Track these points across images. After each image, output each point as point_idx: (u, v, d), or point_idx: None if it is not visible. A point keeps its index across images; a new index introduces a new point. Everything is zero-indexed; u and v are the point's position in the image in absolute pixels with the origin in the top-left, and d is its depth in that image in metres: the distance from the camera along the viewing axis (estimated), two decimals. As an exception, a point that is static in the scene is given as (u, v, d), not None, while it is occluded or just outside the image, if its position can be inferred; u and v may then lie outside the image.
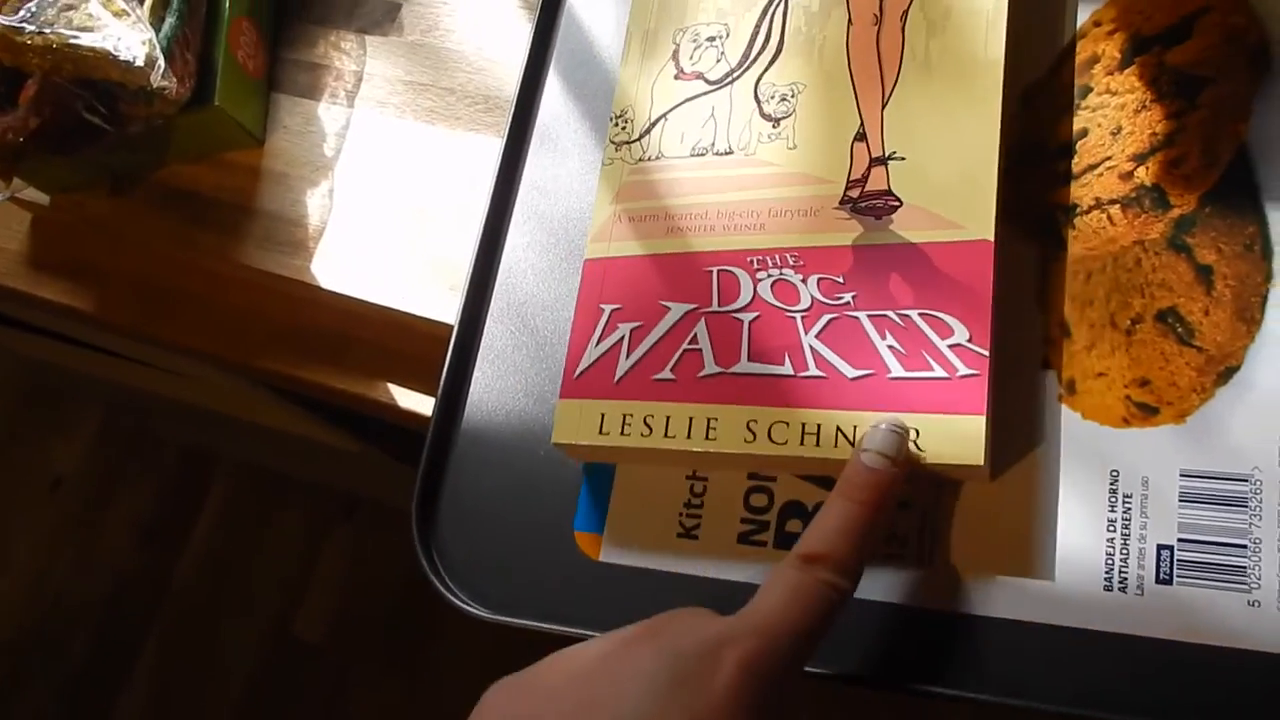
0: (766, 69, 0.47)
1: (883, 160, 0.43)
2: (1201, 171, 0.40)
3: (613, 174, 0.47)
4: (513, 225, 0.52)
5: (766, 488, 0.43)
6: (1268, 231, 0.38)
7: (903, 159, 0.43)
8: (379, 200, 0.58)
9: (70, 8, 0.50)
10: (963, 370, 0.39)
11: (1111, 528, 0.37)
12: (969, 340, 0.39)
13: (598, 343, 0.44)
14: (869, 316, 0.41)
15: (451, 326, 0.50)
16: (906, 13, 0.45)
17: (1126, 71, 0.41)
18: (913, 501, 0.40)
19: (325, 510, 1.37)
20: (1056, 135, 0.43)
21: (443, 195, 0.57)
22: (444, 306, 0.54)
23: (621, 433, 0.43)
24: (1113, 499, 0.37)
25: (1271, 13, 0.42)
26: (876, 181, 0.42)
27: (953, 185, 0.41)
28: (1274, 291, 0.38)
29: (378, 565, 1.33)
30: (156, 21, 0.53)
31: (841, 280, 0.41)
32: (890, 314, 0.41)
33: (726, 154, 0.46)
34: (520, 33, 0.59)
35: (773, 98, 0.46)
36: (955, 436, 0.38)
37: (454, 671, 1.26)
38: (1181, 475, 0.37)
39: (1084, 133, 0.41)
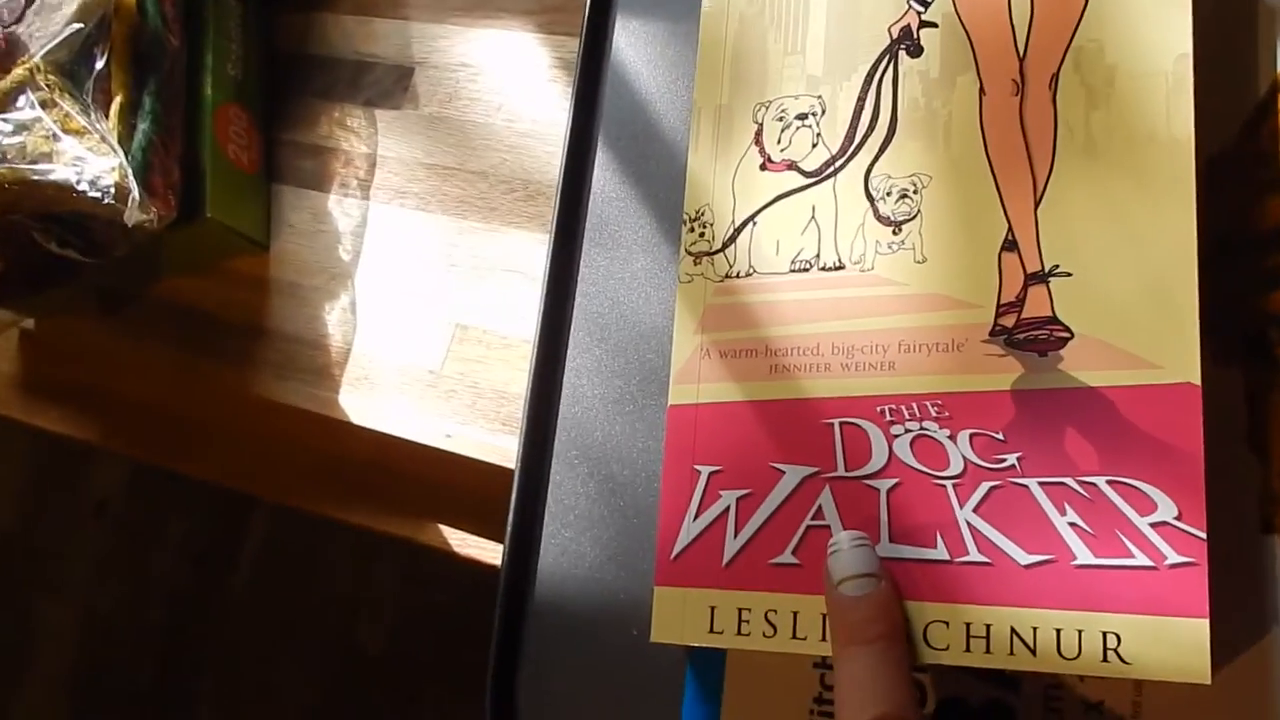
0: (878, 156, 0.38)
1: (1042, 277, 0.34)
2: None
3: (693, 294, 0.39)
4: (572, 345, 0.44)
5: (917, 680, 0.35)
6: None
7: (1068, 275, 0.34)
8: (410, 312, 0.50)
9: (24, 129, 0.40)
10: (1173, 558, 0.31)
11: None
12: (1178, 518, 0.31)
13: (697, 515, 0.36)
14: (1041, 485, 0.33)
15: (510, 471, 0.43)
16: (1056, 77, 0.36)
17: None
18: (1105, 706, 0.33)
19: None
20: (1259, 221, 0.35)
21: (483, 305, 0.49)
22: (496, 443, 0.47)
23: (739, 632, 0.35)
24: None
25: None
26: (1036, 306, 0.34)
27: (1138, 309, 0.32)
28: None
29: (432, 579, 1.22)
30: (126, 130, 0.45)
31: (1002, 437, 0.33)
32: (1069, 482, 0.32)
33: (836, 269, 0.37)
34: (558, 98, 0.50)
35: (889, 194, 0.37)
36: (1169, 642, 0.30)
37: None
38: None
39: None
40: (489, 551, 0.45)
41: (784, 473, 0.35)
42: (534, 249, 0.46)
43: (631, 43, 0.46)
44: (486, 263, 0.48)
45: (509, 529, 0.41)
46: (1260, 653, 0.31)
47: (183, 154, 0.49)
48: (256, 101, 0.54)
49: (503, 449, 0.45)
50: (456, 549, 0.47)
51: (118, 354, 0.54)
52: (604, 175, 0.45)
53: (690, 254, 0.39)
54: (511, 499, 0.41)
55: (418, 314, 0.48)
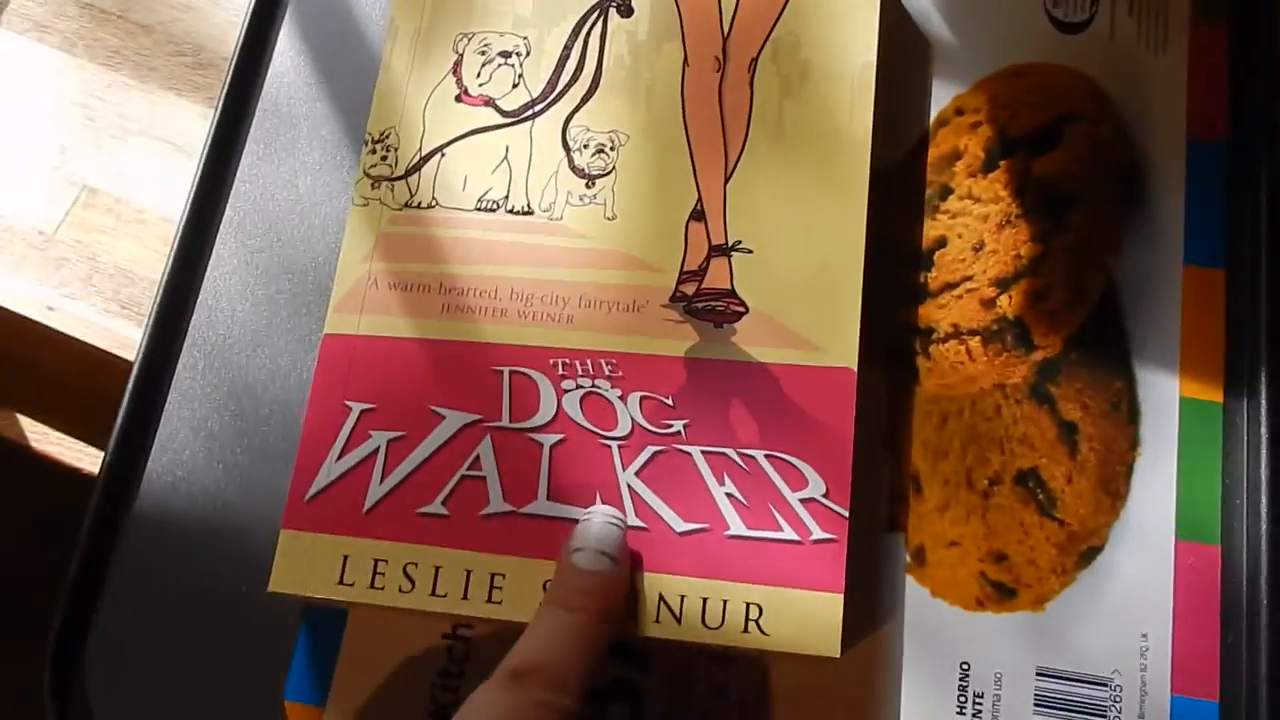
0: (579, 106, 0.37)
1: (725, 250, 0.35)
2: (1067, 309, 0.36)
3: (367, 218, 0.36)
4: (220, 239, 0.39)
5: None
6: (1135, 391, 0.35)
7: (749, 251, 0.35)
8: (26, 162, 0.43)
9: None
10: (817, 534, 0.32)
11: (963, 733, 0.30)
12: (825, 495, 0.32)
13: (340, 455, 0.33)
14: (704, 454, 0.33)
15: (130, 364, 0.37)
16: (756, 61, 0.37)
17: (991, 176, 0.36)
18: (729, 686, 0.33)
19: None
20: (912, 239, 0.37)
21: (123, 173, 0.42)
22: (113, 332, 0.38)
23: (372, 584, 0.32)
24: (962, 697, 0.33)
25: (1143, 130, 0.38)
26: (717, 277, 0.35)
27: (808, 292, 0.34)
28: (1140, 461, 0.34)
29: None
30: None
31: (671, 403, 0.33)
32: (730, 453, 0.33)
33: (525, 213, 0.36)
34: None
35: (587, 146, 0.36)
36: (805, 618, 0.31)
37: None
38: (1038, 674, 0.33)
39: (943, 241, 0.35)
40: (74, 453, 0.39)
41: (444, 417, 0.33)
42: (193, 122, 0.41)
43: None
44: (134, 125, 0.41)
45: (115, 432, 0.36)
46: (874, 644, 0.33)
47: None
48: None
49: (116, 334, 0.39)
50: (34, 444, 0.40)
51: None
52: (286, 60, 0.41)
53: (369, 176, 0.36)
54: (125, 394, 0.36)
55: (36, 166, 0.41)
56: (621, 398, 0.33)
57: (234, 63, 0.40)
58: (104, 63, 0.42)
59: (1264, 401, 0.34)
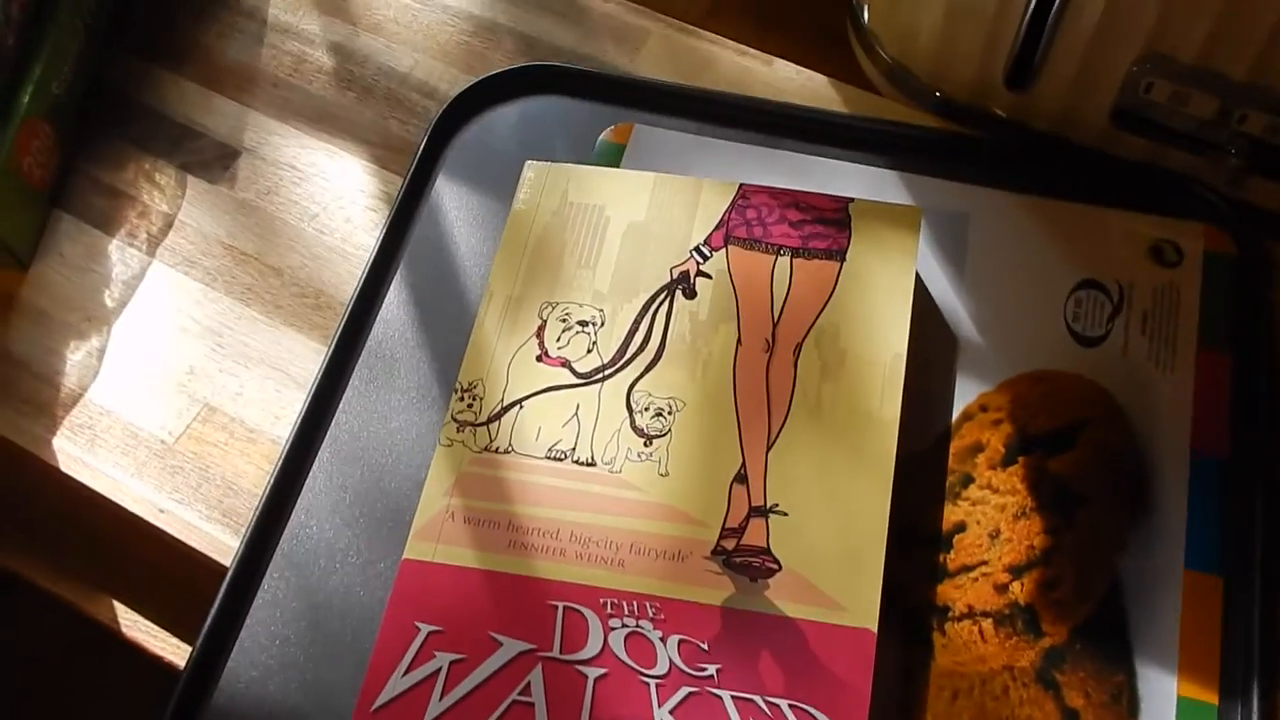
0: (644, 373, 0.42)
1: (764, 512, 0.39)
2: (1075, 601, 0.39)
3: (451, 458, 0.40)
4: (318, 462, 0.44)
5: None
6: (1135, 685, 0.38)
7: (785, 514, 0.39)
8: (159, 380, 0.48)
9: None
10: None
11: None
12: None
13: (407, 670, 0.37)
14: (734, 698, 0.36)
15: (224, 568, 0.42)
16: (800, 346, 0.42)
17: (1009, 470, 0.39)
18: None
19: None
20: (935, 521, 0.41)
21: (240, 396, 0.47)
22: (213, 538, 0.43)
23: None
24: None
25: (1150, 441, 0.42)
26: (755, 535, 0.38)
27: (837, 558, 0.37)
28: None
29: None
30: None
31: (706, 648, 0.36)
32: (757, 700, 0.36)
33: (589, 465, 0.40)
34: (372, 227, 0.51)
35: (647, 409, 0.41)
36: None
37: None
38: None
39: (962, 526, 0.38)
40: (158, 642, 0.43)
41: (501, 644, 0.37)
42: (307, 357, 0.46)
43: (452, 203, 0.49)
44: (255, 354, 0.47)
45: (204, 629, 0.39)
46: None
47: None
48: (68, 125, 0.52)
49: (216, 540, 0.43)
50: (124, 629, 0.44)
51: None
52: (394, 310, 0.46)
53: (455, 420, 0.41)
54: (218, 596, 0.40)
55: (167, 381, 0.47)
56: (662, 639, 0.36)
57: (349, 308, 0.45)
58: (238, 297, 0.48)
59: (1256, 708, 0.36)
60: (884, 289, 0.42)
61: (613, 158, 0.48)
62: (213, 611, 0.39)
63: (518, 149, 0.48)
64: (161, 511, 0.44)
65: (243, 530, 0.41)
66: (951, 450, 0.41)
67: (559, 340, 0.42)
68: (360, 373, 0.44)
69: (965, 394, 0.42)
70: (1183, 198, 0.46)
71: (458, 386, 0.41)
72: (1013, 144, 0.48)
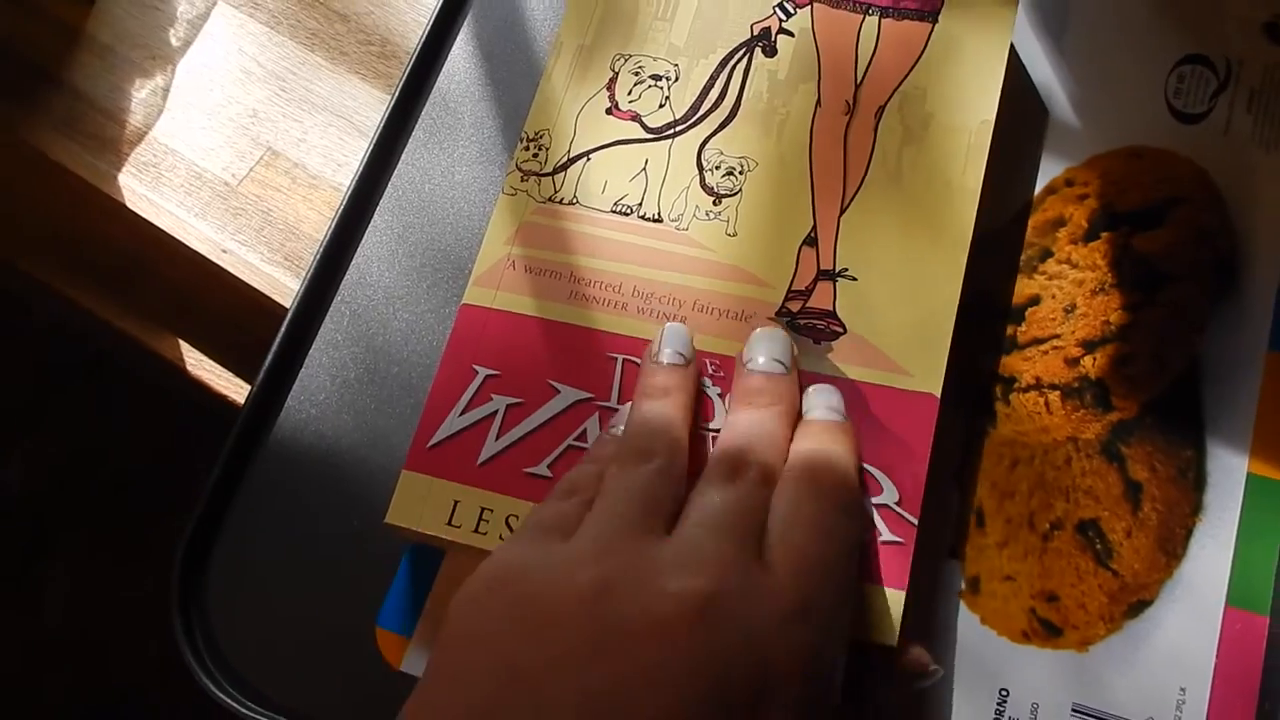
0: (716, 131, 0.40)
1: (832, 276, 0.38)
2: (1148, 377, 0.38)
3: (514, 207, 0.40)
4: (380, 211, 0.43)
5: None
6: (1204, 461, 0.37)
7: (854, 279, 0.37)
8: (223, 122, 0.47)
9: None
10: (886, 535, 0.34)
11: (995, 754, 0.32)
12: (898, 503, 0.34)
13: (463, 411, 0.37)
14: None
15: (285, 310, 0.41)
16: (883, 110, 0.40)
17: (1091, 245, 0.37)
18: None
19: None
20: (1007, 294, 0.40)
21: (304, 142, 0.47)
22: (275, 280, 0.42)
23: (476, 529, 0.35)
24: None
25: (1246, 222, 0.40)
26: (821, 299, 0.37)
27: (905, 324, 0.36)
28: (1200, 526, 0.36)
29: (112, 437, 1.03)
30: None
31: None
32: None
33: (655, 221, 0.39)
34: None
35: (718, 168, 0.39)
36: (869, 609, 0.33)
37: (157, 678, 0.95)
38: (1074, 710, 0.35)
39: (1036, 299, 0.37)
40: (222, 382, 0.43)
41: (559, 391, 0.37)
42: (371, 104, 0.46)
43: None
44: (319, 100, 0.47)
45: (264, 369, 0.40)
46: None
47: None
48: None
49: (278, 282, 0.44)
50: (190, 368, 0.44)
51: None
52: (460, 61, 0.45)
53: (520, 169, 0.40)
54: (278, 337, 0.40)
55: (232, 124, 0.46)
56: (721, 395, 0.36)
57: (414, 57, 0.44)
58: (302, 42, 0.47)
59: None
60: (976, 54, 0.40)
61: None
62: (272, 351, 0.40)
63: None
64: (225, 251, 0.44)
65: (303, 273, 0.40)
66: (1031, 224, 0.40)
67: (630, 94, 0.41)
68: (424, 123, 0.43)
69: (1051, 168, 0.41)
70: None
71: (524, 135, 0.40)
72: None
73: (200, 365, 0.46)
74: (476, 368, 0.37)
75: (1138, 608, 0.35)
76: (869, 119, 0.39)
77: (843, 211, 0.38)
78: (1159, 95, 0.41)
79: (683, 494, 0.32)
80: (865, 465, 0.34)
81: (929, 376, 0.35)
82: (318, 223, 0.42)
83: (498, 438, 0.36)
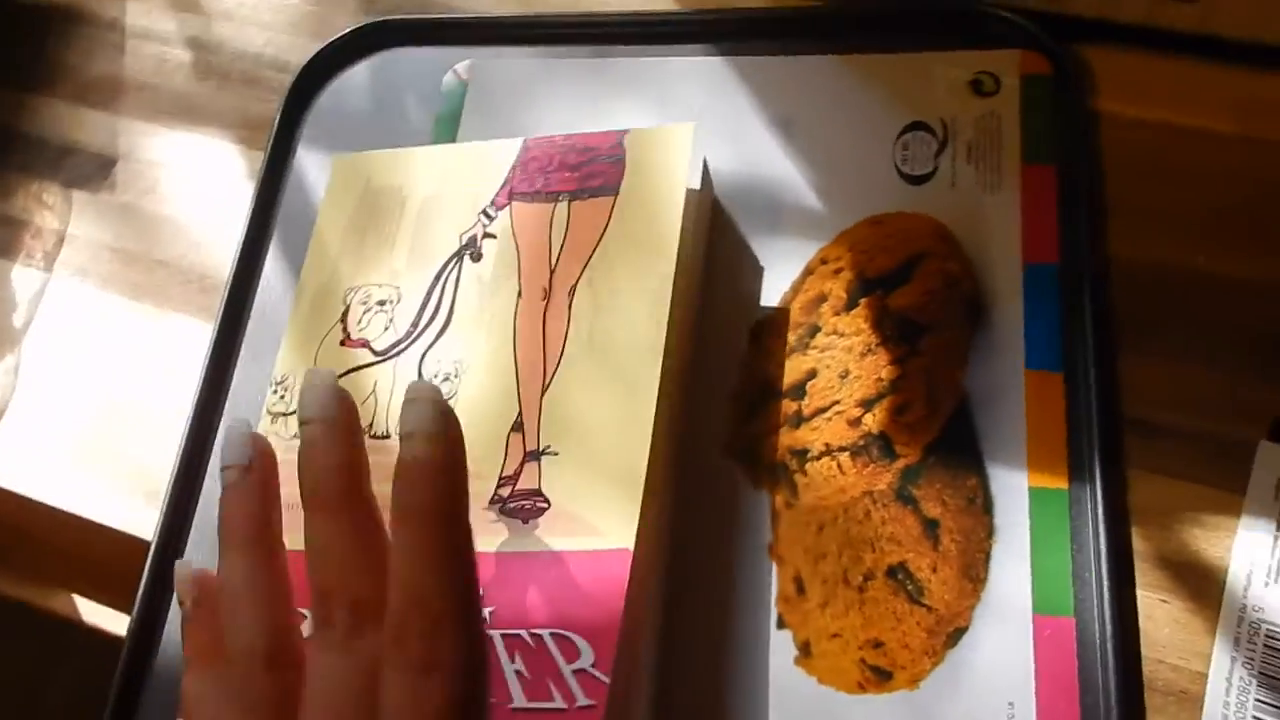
0: (434, 342, 0.47)
1: (536, 455, 0.43)
2: (925, 420, 0.46)
3: None
4: (218, 444, 0.50)
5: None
6: (988, 485, 0.46)
7: (556, 454, 0.43)
8: (70, 385, 0.55)
9: None
10: (581, 700, 0.38)
11: (843, 804, 0.39)
12: (592, 665, 0.38)
13: None
14: (503, 636, 0.40)
15: (146, 543, 0.47)
16: (575, 289, 0.46)
17: (853, 313, 0.45)
18: None
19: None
20: (786, 374, 0.47)
21: (143, 385, 0.54)
22: (138, 517, 0.52)
23: None
24: None
25: (985, 260, 0.45)
26: (528, 479, 0.43)
27: (599, 486, 0.42)
28: (996, 547, 0.44)
29: None
30: None
31: (482, 593, 0.39)
32: (524, 634, 0.39)
33: (384, 438, 0.45)
34: (247, 204, 0.57)
35: (436, 375, 0.46)
36: None
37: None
38: None
39: (814, 373, 0.43)
40: (116, 622, 0.46)
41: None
42: (201, 339, 0.55)
43: (316, 170, 0.55)
44: (153, 345, 0.56)
45: (132, 618, 0.46)
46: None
47: None
48: None
49: (143, 521, 0.49)
50: (85, 618, 0.47)
51: None
52: (272, 284, 0.52)
53: (270, 413, 0.48)
54: (146, 566, 0.46)
55: (78, 383, 0.55)
56: None
57: (228, 286, 0.52)
58: (130, 296, 0.54)
59: (1100, 486, 0.39)
60: (653, 214, 0.46)
61: (458, 98, 0.50)
62: (144, 579, 0.45)
63: (372, 105, 0.59)
64: (88, 503, 0.48)
65: (160, 504, 0.44)
66: (797, 305, 0.48)
67: (360, 322, 0.49)
68: (248, 349, 0.51)
69: (805, 250, 0.47)
70: (998, 29, 0.50)
71: (272, 381, 0.49)
72: (831, 11, 0.50)
73: (93, 613, 0.49)
74: None
75: (955, 636, 0.43)
76: (563, 299, 0.47)
77: (544, 392, 0.45)
78: (889, 165, 0.49)
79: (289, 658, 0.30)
80: (565, 632, 0.38)
81: (621, 532, 0.40)
82: (168, 459, 0.46)
83: None
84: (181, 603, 0.33)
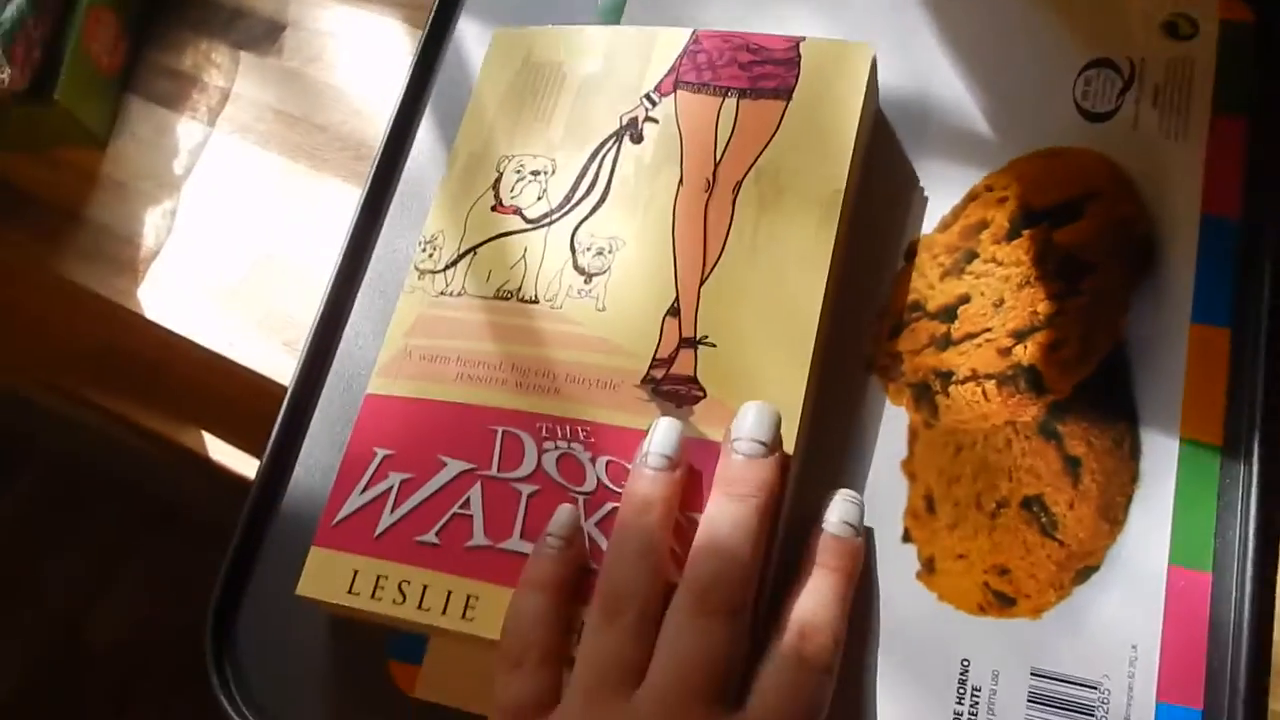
0: (588, 216, 0.48)
1: (693, 343, 0.44)
2: (1078, 360, 0.45)
3: (411, 303, 0.48)
4: (360, 297, 0.50)
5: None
6: (1138, 431, 0.44)
7: (714, 345, 0.43)
8: (224, 234, 0.58)
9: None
10: None
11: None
12: None
13: (364, 489, 0.43)
14: None
15: (284, 388, 0.48)
16: (740, 184, 0.46)
17: (1014, 243, 0.45)
18: None
19: (136, 515, 1.21)
20: (938, 296, 0.46)
21: (293, 241, 0.57)
22: (276, 363, 0.54)
23: (373, 596, 0.41)
24: (961, 690, 0.42)
25: (1160, 207, 0.44)
26: (683, 365, 0.44)
27: (759, 387, 0.42)
28: (1139, 493, 0.42)
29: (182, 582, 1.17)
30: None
31: (631, 468, 0.42)
32: (676, 514, 0.40)
33: (532, 302, 0.46)
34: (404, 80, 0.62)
35: (589, 249, 0.47)
36: None
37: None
38: (1033, 674, 0.39)
39: (967, 298, 0.43)
40: (241, 461, 0.47)
41: (446, 464, 0.44)
42: (350, 202, 0.55)
43: (474, 46, 0.55)
44: (305, 204, 0.59)
45: (269, 444, 0.47)
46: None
47: (49, 39, 0.58)
48: (131, 13, 0.64)
49: (281, 366, 0.53)
50: (212, 454, 0.48)
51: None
52: (420, 156, 0.52)
53: (418, 269, 0.49)
54: (279, 418, 0.48)
55: (231, 234, 0.59)
56: (591, 460, 0.43)
57: (380, 152, 0.53)
58: (288, 156, 0.57)
59: (1257, 446, 0.39)
60: (828, 126, 0.47)
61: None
62: (277, 425, 0.48)
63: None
64: (231, 345, 0.49)
65: (299, 355, 0.45)
66: (956, 229, 0.48)
67: (513, 190, 0.49)
68: (394, 212, 0.52)
69: (970, 177, 0.47)
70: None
71: (421, 239, 0.50)
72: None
73: (220, 450, 0.50)
74: (376, 449, 0.45)
75: (1085, 573, 0.42)
76: (727, 194, 0.47)
77: (703, 282, 0.46)
78: (1068, 99, 0.48)
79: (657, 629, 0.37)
80: None
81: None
82: (311, 311, 0.48)
83: (392, 511, 0.43)
84: (551, 535, 0.38)
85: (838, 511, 0.39)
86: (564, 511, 0.39)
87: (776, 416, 0.39)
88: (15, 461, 1.34)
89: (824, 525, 0.39)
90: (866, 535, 0.39)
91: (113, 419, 0.58)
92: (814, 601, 0.37)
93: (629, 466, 0.41)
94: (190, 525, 1.25)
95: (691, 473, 0.40)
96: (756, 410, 0.39)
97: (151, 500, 1.30)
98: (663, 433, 0.39)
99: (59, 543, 1.29)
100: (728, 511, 0.36)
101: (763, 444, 0.38)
